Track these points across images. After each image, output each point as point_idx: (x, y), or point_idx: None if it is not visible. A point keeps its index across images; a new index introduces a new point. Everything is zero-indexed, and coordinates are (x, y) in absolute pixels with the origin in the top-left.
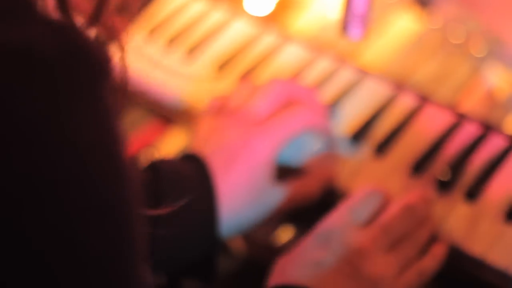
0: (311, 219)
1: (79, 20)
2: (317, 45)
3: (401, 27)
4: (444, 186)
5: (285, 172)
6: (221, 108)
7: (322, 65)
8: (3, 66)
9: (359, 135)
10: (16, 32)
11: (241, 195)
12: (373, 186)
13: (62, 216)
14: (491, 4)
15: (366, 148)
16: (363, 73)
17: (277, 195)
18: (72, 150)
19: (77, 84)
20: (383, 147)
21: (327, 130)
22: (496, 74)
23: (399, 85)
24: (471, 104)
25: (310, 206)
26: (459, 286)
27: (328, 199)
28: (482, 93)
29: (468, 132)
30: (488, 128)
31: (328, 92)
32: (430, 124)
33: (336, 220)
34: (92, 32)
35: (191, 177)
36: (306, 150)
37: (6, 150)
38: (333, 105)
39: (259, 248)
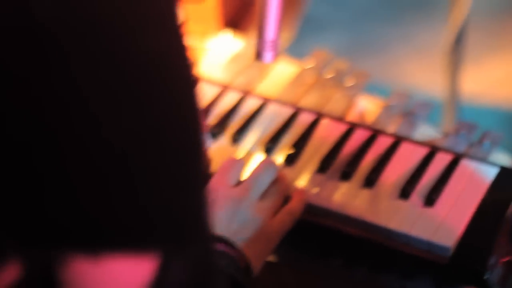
0: None
1: None
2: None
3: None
4: (345, 177)
5: None
6: None
7: (231, 97)
8: None
9: (271, 145)
10: None
11: None
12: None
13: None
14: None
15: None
16: (266, 99)
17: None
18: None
19: None
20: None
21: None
22: (364, 99)
23: (296, 107)
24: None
25: None
26: (372, 253)
27: None
28: (357, 112)
29: (360, 135)
30: (376, 132)
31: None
32: (329, 132)
33: (216, 184)
34: None
35: None
36: None
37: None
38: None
39: None
